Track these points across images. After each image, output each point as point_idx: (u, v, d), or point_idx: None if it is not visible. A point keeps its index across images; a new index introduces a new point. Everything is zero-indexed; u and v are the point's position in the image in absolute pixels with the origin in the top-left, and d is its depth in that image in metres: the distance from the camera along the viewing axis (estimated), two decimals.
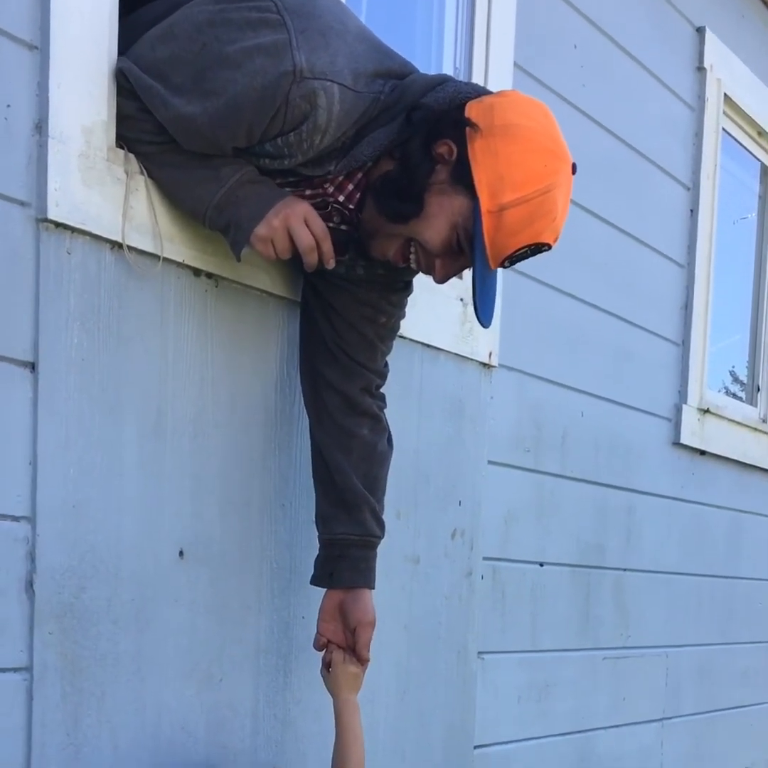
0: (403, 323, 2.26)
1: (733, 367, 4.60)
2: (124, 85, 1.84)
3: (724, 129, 4.00)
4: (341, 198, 1.98)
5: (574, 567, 3.35)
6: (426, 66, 2.33)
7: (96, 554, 1.89)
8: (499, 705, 3.07)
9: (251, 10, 1.77)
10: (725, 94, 3.92)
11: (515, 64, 2.90)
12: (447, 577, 2.79)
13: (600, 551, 3.46)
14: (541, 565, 3.20)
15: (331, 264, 1.95)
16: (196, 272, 2.03)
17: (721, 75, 3.87)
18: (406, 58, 1.98)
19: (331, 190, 1.97)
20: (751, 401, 4.59)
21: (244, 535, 2.18)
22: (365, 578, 2.18)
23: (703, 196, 3.83)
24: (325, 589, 2.20)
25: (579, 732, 3.44)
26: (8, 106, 1.72)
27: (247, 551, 2.19)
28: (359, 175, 1.95)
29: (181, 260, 1.99)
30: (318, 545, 2.22)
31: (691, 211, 3.81)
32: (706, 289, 3.87)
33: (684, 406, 3.80)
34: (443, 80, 1.92)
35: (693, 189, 3.81)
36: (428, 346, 2.65)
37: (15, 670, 1.80)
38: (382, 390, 2.25)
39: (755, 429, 4.36)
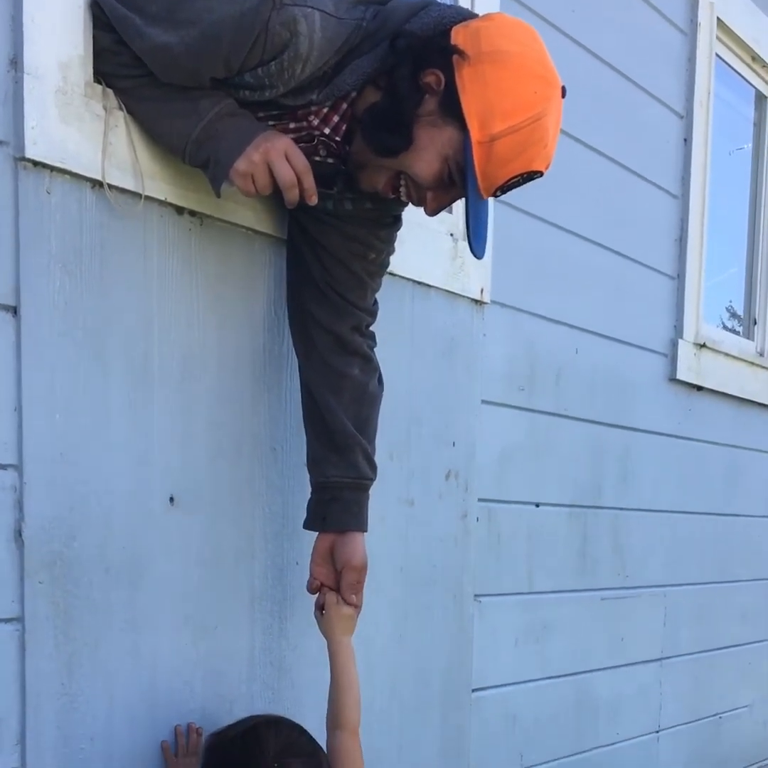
0: (392, 260, 2.23)
1: (730, 301, 4.56)
2: (100, 17, 1.79)
3: (717, 54, 3.93)
4: (327, 130, 1.94)
5: (571, 507, 3.33)
6: None
7: (85, 502, 1.87)
8: (497, 648, 3.07)
9: None
10: (718, 18, 3.85)
11: None
12: (442, 520, 2.77)
13: (596, 491, 3.44)
14: (537, 505, 3.18)
15: (312, 200, 1.90)
16: (179, 210, 2.00)
17: None
18: None
19: (316, 122, 1.93)
20: (748, 335, 4.55)
21: (235, 481, 2.16)
22: (357, 521, 2.17)
23: (697, 124, 3.77)
24: (318, 533, 2.18)
25: (577, 673, 3.44)
26: None
27: (239, 497, 2.17)
28: (344, 106, 1.91)
29: (163, 198, 1.95)
30: (310, 489, 2.19)
31: (685, 140, 3.75)
32: (701, 221, 3.82)
33: (680, 340, 3.76)
34: (426, 4, 1.87)
35: (686, 117, 3.75)
36: (419, 283, 2.62)
37: (6, 620, 1.79)
38: (372, 328, 2.22)
39: (752, 363, 4.32)
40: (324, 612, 2.16)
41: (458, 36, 1.80)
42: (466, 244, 2.64)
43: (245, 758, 1.82)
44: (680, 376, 3.77)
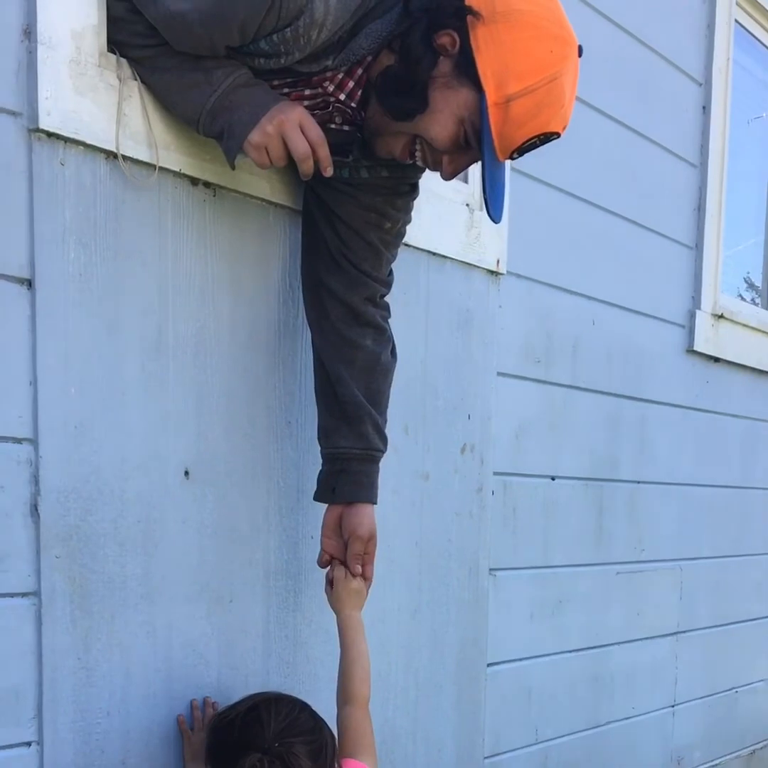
0: (408, 230, 2.21)
1: (748, 272, 4.52)
2: None
3: (737, 20, 3.88)
4: (342, 96, 1.92)
5: (587, 480, 3.31)
6: None
7: (100, 475, 1.87)
8: (512, 622, 3.06)
9: None
10: None
11: None
12: (457, 493, 2.76)
13: (613, 464, 3.42)
14: (553, 479, 3.17)
15: (328, 172, 1.89)
16: (194, 181, 1.98)
17: None
18: None
19: (331, 88, 1.91)
20: (766, 306, 4.51)
21: (249, 454, 2.15)
22: (367, 493, 2.16)
23: (716, 91, 3.71)
24: (327, 504, 2.18)
25: (593, 648, 3.43)
26: None
27: (254, 470, 2.16)
28: (359, 72, 1.89)
29: (177, 169, 1.93)
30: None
31: (703, 107, 3.70)
32: (720, 190, 3.78)
33: (697, 311, 3.73)
34: None
35: (705, 84, 3.70)
36: (434, 254, 2.60)
37: (23, 594, 1.79)
38: (386, 299, 2.20)
39: None
40: (333, 586, 2.16)
41: None
42: (481, 214, 2.63)
43: (246, 739, 1.81)
44: (697, 347, 3.74)
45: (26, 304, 1.74)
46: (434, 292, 2.61)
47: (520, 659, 3.11)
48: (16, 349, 1.74)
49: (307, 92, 1.91)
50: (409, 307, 2.51)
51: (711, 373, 3.88)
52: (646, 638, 3.70)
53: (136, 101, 1.83)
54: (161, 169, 1.89)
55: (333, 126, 1.95)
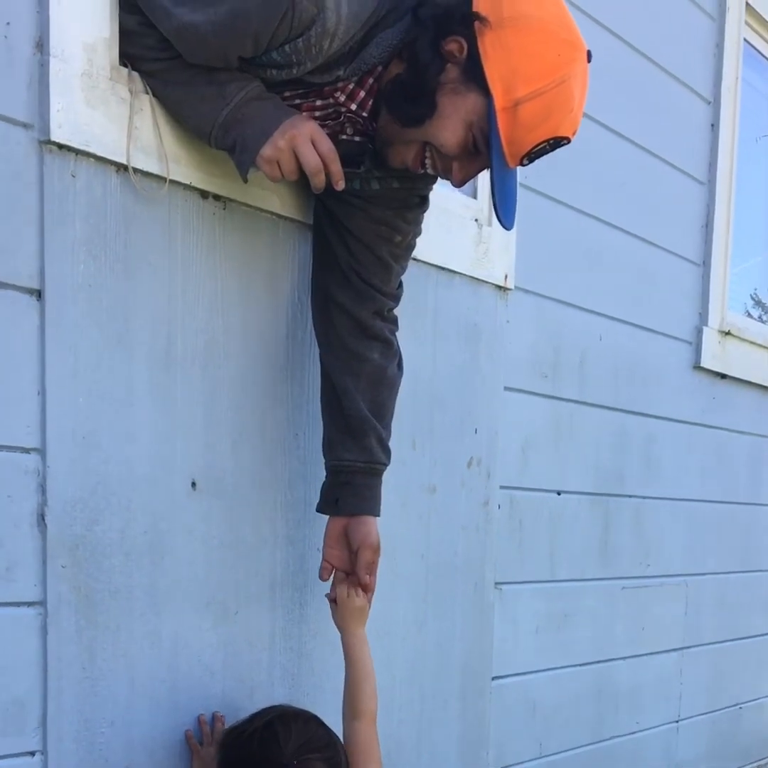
0: (417, 243, 2.21)
1: (756, 289, 4.52)
2: None
3: (745, 40, 3.90)
4: (353, 106, 1.93)
5: (593, 495, 3.31)
6: None
7: (107, 486, 1.87)
8: (518, 636, 3.06)
9: None
10: (747, 3, 3.82)
11: None
12: (464, 507, 2.76)
13: (619, 479, 3.42)
14: (559, 493, 3.17)
15: (340, 185, 1.90)
16: (204, 195, 1.99)
17: None
18: None
19: (342, 99, 1.92)
20: None
21: (257, 466, 2.15)
22: (370, 506, 2.16)
23: (725, 110, 3.73)
24: (329, 516, 2.18)
25: (598, 662, 3.43)
26: (8, 23, 1.67)
27: (261, 482, 2.17)
28: (370, 81, 1.90)
29: (188, 182, 1.94)
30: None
31: (712, 125, 3.72)
32: (728, 207, 3.79)
33: (705, 328, 3.73)
34: None
35: (714, 103, 3.71)
36: (442, 269, 2.60)
37: (29, 604, 1.79)
38: (394, 312, 2.20)
39: None
40: (336, 605, 2.16)
41: (480, 2, 1.78)
42: (490, 230, 2.64)
43: (264, 755, 1.81)
44: (704, 363, 3.74)
45: (35, 315, 1.74)
46: (442, 307, 2.62)
47: (526, 673, 3.10)
48: (24, 359, 1.74)
49: (318, 103, 1.92)
50: (417, 322, 2.51)
51: (718, 390, 3.88)
52: (652, 653, 3.69)
53: (148, 114, 1.84)
54: (172, 182, 1.89)
55: (344, 136, 1.96)
